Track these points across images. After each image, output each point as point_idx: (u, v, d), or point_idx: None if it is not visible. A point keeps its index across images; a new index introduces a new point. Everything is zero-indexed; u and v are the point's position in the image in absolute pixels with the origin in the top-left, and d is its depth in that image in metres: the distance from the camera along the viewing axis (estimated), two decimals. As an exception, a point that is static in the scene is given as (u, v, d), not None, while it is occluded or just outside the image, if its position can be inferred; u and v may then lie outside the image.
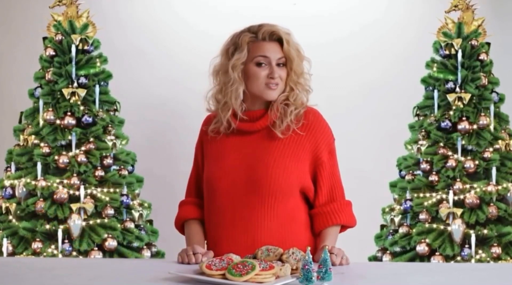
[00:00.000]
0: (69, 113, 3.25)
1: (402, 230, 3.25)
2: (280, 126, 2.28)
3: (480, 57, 3.28)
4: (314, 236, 2.35)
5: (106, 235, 3.20)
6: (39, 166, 3.23)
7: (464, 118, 3.25)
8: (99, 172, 3.24)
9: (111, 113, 3.30)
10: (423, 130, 3.29)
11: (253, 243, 2.20)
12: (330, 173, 2.35)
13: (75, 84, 3.26)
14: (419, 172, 3.28)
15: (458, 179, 3.24)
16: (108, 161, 3.25)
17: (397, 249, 3.25)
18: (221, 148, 2.33)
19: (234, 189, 2.26)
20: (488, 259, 3.18)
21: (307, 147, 2.31)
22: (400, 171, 3.32)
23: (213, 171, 2.31)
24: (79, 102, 3.25)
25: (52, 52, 3.27)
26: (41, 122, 3.25)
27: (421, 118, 3.31)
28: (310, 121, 2.32)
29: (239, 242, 2.23)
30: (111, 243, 3.20)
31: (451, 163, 3.24)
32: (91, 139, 3.25)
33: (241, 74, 2.29)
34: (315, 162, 2.32)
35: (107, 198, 3.23)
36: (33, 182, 3.22)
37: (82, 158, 3.23)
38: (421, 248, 3.21)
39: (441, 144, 3.26)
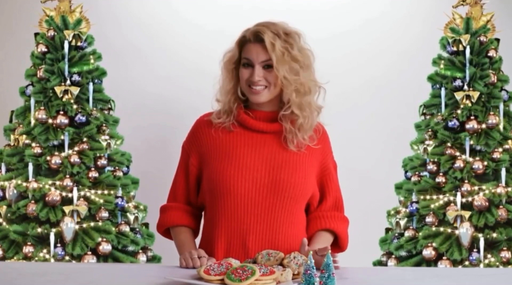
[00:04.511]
0: (61, 112, 3.24)
1: (408, 233, 3.25)
2: (292, 144, 2.29)
3: (489, 54, 3.28)
4: None
5: (100, 239, 3.20)
6: (30, 167, 3.23)
7: (472, 117, 3.25)
8: (93, 173, 3.24)
9: (106, 112, 3.30)
10: (429, 130, 3.29)
11: (272, 248, 2.20)
12: (336, 184, 2.41)
13: (68, 82, 3.26)
14: (425, 173, 3.28)
15: (466, 181, 3.24)
16: (102, 161, 3.25)
17: (403, 253, 3.25)
18: (229, 142, 2.31)
19: (254, 189, 2.25)
20: (497, 263, 3.18)
21: (318, 156, 2.34)
22: (406, 172, 3.32)
23: (224, 168, 2.28)
24: (72, 101, 3.25)
25: (44, 49, 3.27)
26: (33, 121, 3.25)
27: (428, 117, 3.31)
28: (320, 134, 2.36)
29: (256, 248, 2.23)
30: (105, 247, 3.20)
31: (459, 164, 3.24)
32: (85, 139, 3.25)
33: (235, 73, 2.32)
34: (323, 172, 2.37)
35: (101, 200, 3.23)
36: (24, 184, 3.22)
37: (75, 158, 3.23)
38: (428, 252, 3.21)
39: (449, 144, 3.26)
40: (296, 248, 2.22)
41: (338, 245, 2.39)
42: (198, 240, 2.44)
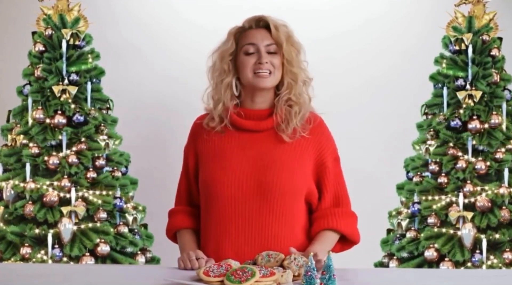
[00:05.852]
0: (59, 112, 3.24)
1: (410, 234, 3.25)
2: (287, 130, 2.29)
3: (491, 53, 3.27)
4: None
5: (98, 240, 3.20)
6: (28, 167, 3.23)
7: (474, 117, 3.25)
8: (91, 174, 3.24)
9: (104, 111, 3.30)
10: (431, 130, 3.29)
11: (261, 250, 2.20)
12: (335, 179, 2.38)
13: (66, 81, 3.25)
14: (427, 173, 3.28)
15: (468, 181, 3.23)
16: (101, 162, 3.25)
17: (405, 254, 3.25)
18: (220, 145, 2.32)
19: (240, 192, 2.26)
20: (500, 265, 3.17)
21: (311, 151, 2.33)
22: (408, 172, 3.32)
23: (214, 172, 2.29)
24: (70, 100, 3.25)
25: (41, 48, 3.27)
26: (30, 121, 3.25)
27: (430, 116, 3.31)
28: (315, 126, 2.35)
29: (246, 250, 2.22)
30: (104, 248, 3.20)
31: (461, 164, 3.24)
32: (83, 139, 3.25)
33: (231, 66, 2.32)
34: (318, 167, 2.34)
35: (100, 201, 3.22)
36: (22, 184, 3.21)
37: (73, 159, 3.22)
38: (430, 253, 3.21)
39: (451, 144, 3.26)
40: (287, 249, 2.20)
41: (348, 240, 2.38)
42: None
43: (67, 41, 3.27)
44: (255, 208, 2.25)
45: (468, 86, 3.27)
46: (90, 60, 3.28)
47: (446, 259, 3.21)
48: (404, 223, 3.26)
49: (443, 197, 3.24)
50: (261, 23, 2.33)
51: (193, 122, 2.45)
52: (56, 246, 3.20)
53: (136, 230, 3.25)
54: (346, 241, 2.37)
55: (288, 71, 2.31)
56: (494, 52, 3.27)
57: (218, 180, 2.28)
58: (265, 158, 2.28)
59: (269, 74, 2.29)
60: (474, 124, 3.24)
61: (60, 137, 3.25)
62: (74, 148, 3.24)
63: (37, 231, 3.20)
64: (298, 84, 2.32)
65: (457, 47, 3.30)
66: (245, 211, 2.26)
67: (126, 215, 3.25)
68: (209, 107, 2.38)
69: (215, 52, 2.37)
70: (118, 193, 3.25)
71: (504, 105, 3.26)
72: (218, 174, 2.28)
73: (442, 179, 3.25)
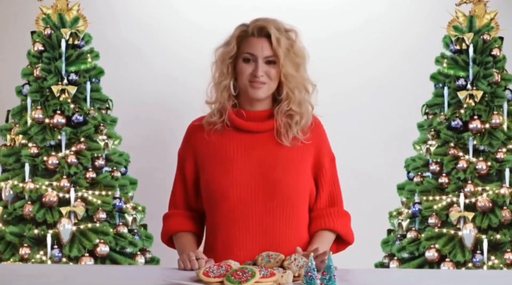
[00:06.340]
0: (58, 112, 3.24)
1: (410, 235, 3.24)
2: (286, 138, 2.29)
3: (492, 53, 3.27)
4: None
5: (97, 240, 3.20)
6: (27, 168, 3.22)
7: (475, 117, 3.25)
8: (90, 174, 3.24)
9: (103, 111, 3.30)
10: (432, 130, 3.29)
11: (271, 250, 2.19)
12: (330, 179, 2.39)
13: (65, 81, 3.25)
14: (428, 173, 3.28)
15: (469, 181, 3.23)
16: (100, 162, 3.25)
17: (405, 255, 3.25)
18: (222, 146, 2.32)
19: (248, 193, 2.25)
20: (501, 265, 3.17)
21: (312, 151, 2.34)
22: (408, 172, 3.31)
23: (219, 173, 2.29)
24: (69, 100, 3.24)
25: (40, 47, 3.27)
26: (29, 121, 3.25)
27: (431, 116, 3.31)
28: (314, 127, 2.35)
29: (255, 251, 2.20)
30: (103, 249, 3.20)
31: (462, 164, 3.23)
32: (82, 139, 3.24)
33: (231, 68, 2.31)
34: (316, 166, 2.35)
35: (99, 201, 3.22)
36: (21, 184, 3.21)
37: (72, 159, 3.22)
38: (431, 254, 3.20)
39: (452, 144, 3.26)
40: (295, 249, 2.21)
41: (343, 240, 2.38)
42: (201, 247, 2.44)
43: (66, 41, 3.27)
44: (264, 209, 2.25)
45: (469, 86, 3.27)
46: (89, 59, 3.28)
47: (447, 259, 3.21)
48: (404, 224, 3.26)
49: (444, 197, 3.24)
50: (264, 32, 2.28)
51: (189, 124, 2.43)
52: (55, 246, 3.20)
53: (135, 231, 3.25)
54: (340, 242, 2.38)
55: (287, 82, 2.28)
56: (495, 51, 3.27)
57: (224, 182, 2.27)
58: (269, 159, 2.28)
59: (264, 85, 2.27)
60: (475, 124, 3.24)
61: (59, 137, 3.24)
62: (73, 148, 3.24)
63: (36, 231, 3.20)
64: (300, 94, 2.30)
65: (458, 47, 3.29)
66: (254, 212, 2.25)
67: (126, 215, 3.25)
68: (210, 100, 2.37)
69: (218, 49, 2.35)
70: (118, 193, 3.25)
71: (505, 105, 3.26)
72: (223, 176, 2.28)
73: (443, 179, 3.25)
